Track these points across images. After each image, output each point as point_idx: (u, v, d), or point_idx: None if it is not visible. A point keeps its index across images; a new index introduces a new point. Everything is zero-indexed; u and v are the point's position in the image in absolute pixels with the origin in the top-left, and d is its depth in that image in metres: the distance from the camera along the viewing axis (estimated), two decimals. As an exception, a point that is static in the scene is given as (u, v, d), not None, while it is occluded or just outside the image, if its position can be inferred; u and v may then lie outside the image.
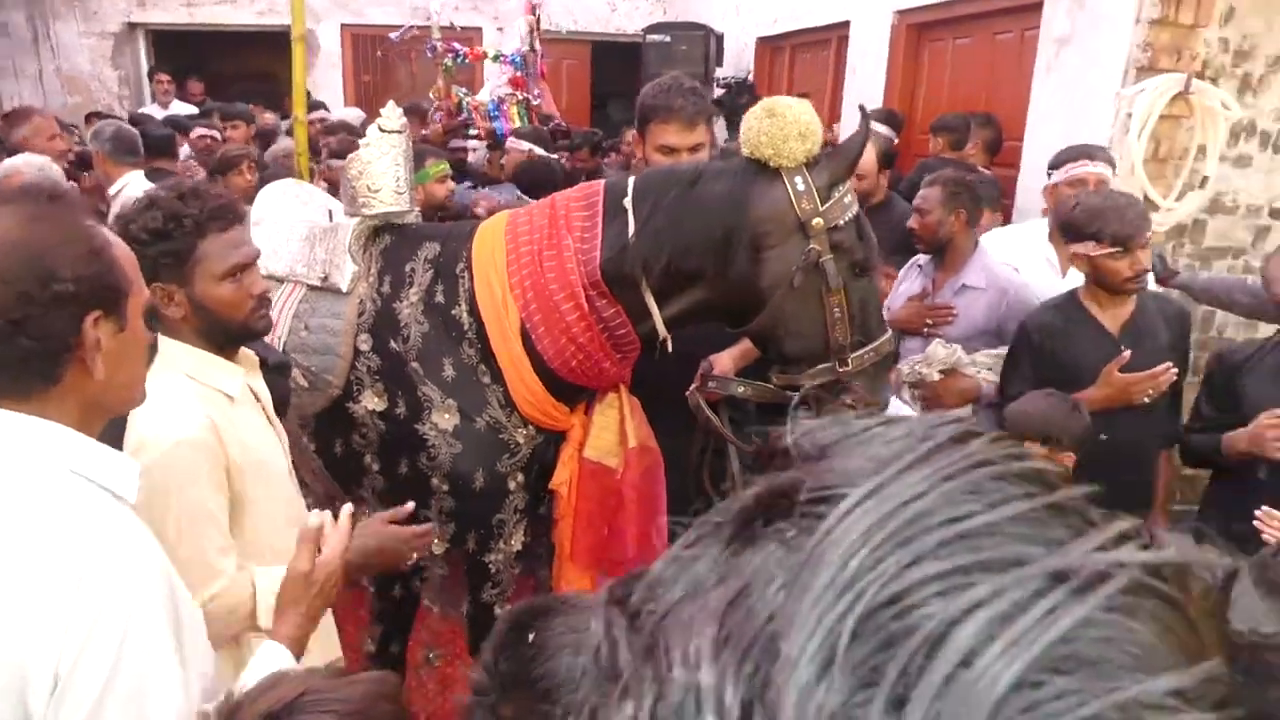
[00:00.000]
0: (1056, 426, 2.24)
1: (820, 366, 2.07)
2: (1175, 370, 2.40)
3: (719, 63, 7.42)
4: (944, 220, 2.88)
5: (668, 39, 7.21)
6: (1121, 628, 0.24)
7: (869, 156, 3.95)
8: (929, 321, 2.88)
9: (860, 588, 0.25)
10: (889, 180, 3.96)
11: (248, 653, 1.42)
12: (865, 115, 2.04)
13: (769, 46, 7.26)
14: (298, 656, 1.24)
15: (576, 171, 4.85)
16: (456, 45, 6.06)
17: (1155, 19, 3.57)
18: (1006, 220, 4.07)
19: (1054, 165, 3.20)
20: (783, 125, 1.91)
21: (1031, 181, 4.10)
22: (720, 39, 7.41)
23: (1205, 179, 3.70)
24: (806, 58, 6.82)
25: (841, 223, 1.97)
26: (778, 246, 1.97)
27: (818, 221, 1.94)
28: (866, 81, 5.59)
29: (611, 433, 2.20)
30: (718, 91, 6.22)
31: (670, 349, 2.12)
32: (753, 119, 1.96)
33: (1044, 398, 2.37)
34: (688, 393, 2.31)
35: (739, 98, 6.23)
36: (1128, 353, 2.41)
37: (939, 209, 2.89)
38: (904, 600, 0.24)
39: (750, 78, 6.59)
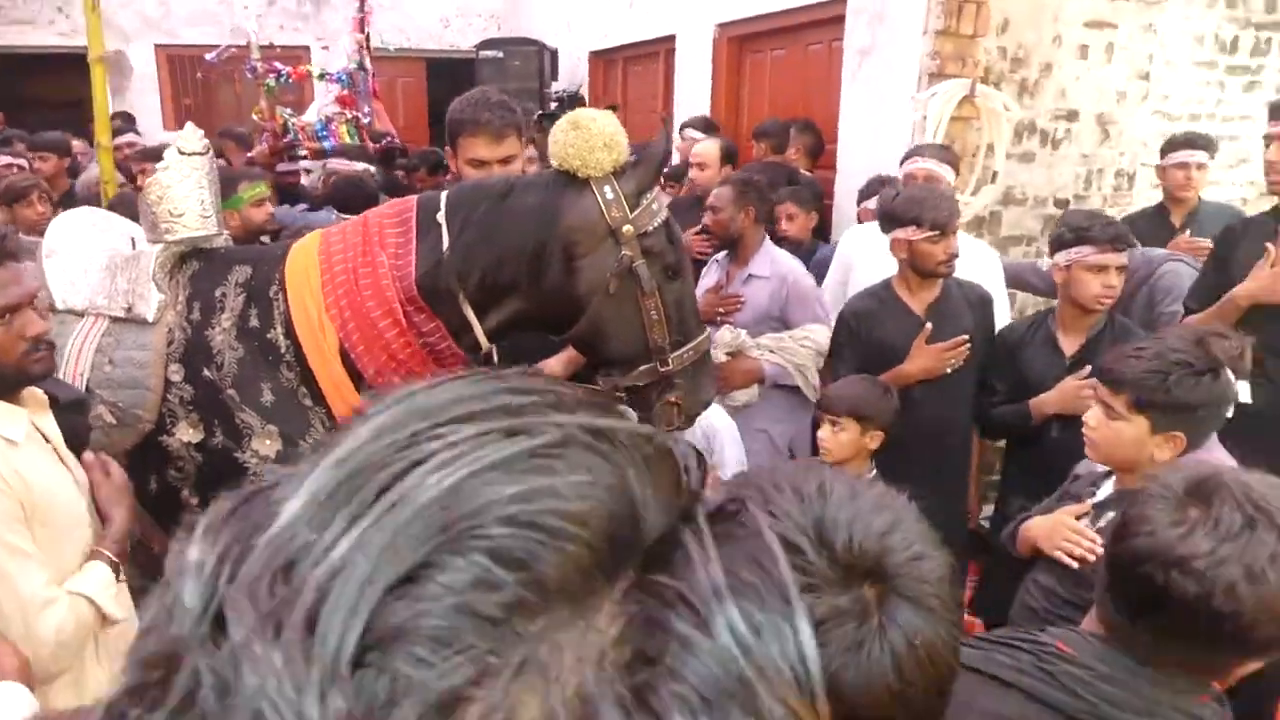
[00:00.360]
0: (869, 407, 2.42)
1: (642, 368, 2.15)
2: (968, 343, 2.65)
3: (554, 77, 7.51)
4: (734, 217, 3.11)
5: (501, 55, 7.24)
6: (544, 462, 0.30)
7: (712, 152, 4.13)
8: (720, 310, 3.08)
9: (357, 452, 0.31)
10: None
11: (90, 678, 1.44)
12: (666, 124, 2.15)
13: (601, 60, 7.40)
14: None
15: (414, 190, 4.81)
16: (279, 65, 5.88)
17: (940, 30, 3.89)
18: (824, 219, 4.32)
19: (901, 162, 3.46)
20: (587, 137, 1.98)
21: (847, 183, 4.37)
22: (554, 54, 7.50)
23: (995, 174, 4.05)
24: (638, 70, 6.99)
25: (651, 228, 2.06)
26: (591, 254, 2.03)
27: (628, 228, 2.02)
28: (693, 92, 5.79)
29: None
30: (551, 105, 6.29)
31: (497, 360, 2.15)
32: (559, 132, 2.02)
33: (858, 381, 2.55)
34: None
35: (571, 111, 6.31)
36: (929, 326, 2.64)
37: (730, 207, 3.11)
38: (392, 456, 0.30)
39: (582, 91, 6.70)
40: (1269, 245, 2.64)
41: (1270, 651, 0.89)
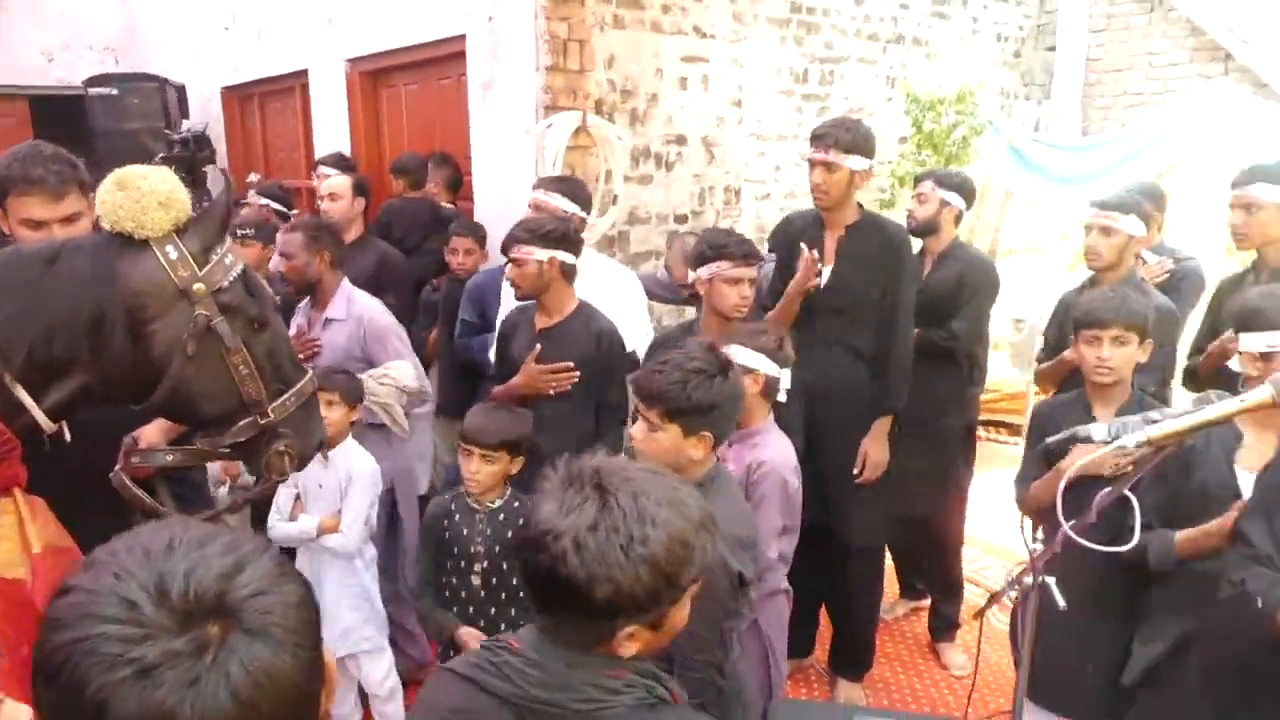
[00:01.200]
0: (508, 431, 2.53)
1: (241, 423, 2.09)
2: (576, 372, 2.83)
3: (184, 114, 6.98)
4: (309, 263, 3.12)
5: (115, 91, 6.60)
6: None
7: (343, 185, 4.02)
8: (300, 356, 3.08)
9: None
10: (365, 212, 4.08)
11: None
12: (226, 178, 2.11)
13: (235, 96, 7.00)
14: None
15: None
16: None
17: (550, 65, 4.15)
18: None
19: None
20: (138, 197, 1.89)
21: (486, 213, 4.51)
22: (181, 90, 6.96)
23: (616, 197, 4.39)
24: (275, 106, 6.70)
25: (226, 284, 2.00)
26: (161, 318, 1.93)
27: (199, 287, 1.95)
28: (331, 128, 5.67)
29: (12, 541, 1.99)
30: (175, 148, 5.85)
31: (70, 438, 1.99)
32: (105, 193, 1.90)
33: (492, 410, 2.67)
34: (111, 474, 2.18)
35: (199, 151, 5.93)
36: (538, 347, 2.81)
37: (302, 253, 3.11)
38: None
39: (208, 130, 6.31)
40: (803, 245, 3.10)
41: (627, 612, 1.05)
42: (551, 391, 2.80)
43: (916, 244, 3.54)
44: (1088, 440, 1.63)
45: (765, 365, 2.40)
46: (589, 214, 3.35)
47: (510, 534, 2.46)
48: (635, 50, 4.58)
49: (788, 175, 5.39)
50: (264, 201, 4.44)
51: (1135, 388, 2.46)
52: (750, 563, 1.92)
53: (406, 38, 4.96)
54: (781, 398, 2.51)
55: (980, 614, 2.22)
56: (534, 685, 1.08)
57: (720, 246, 2.81)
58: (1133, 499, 1.72)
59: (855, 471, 3.08)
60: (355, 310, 3.15)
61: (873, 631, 3.40)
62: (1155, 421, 1.56)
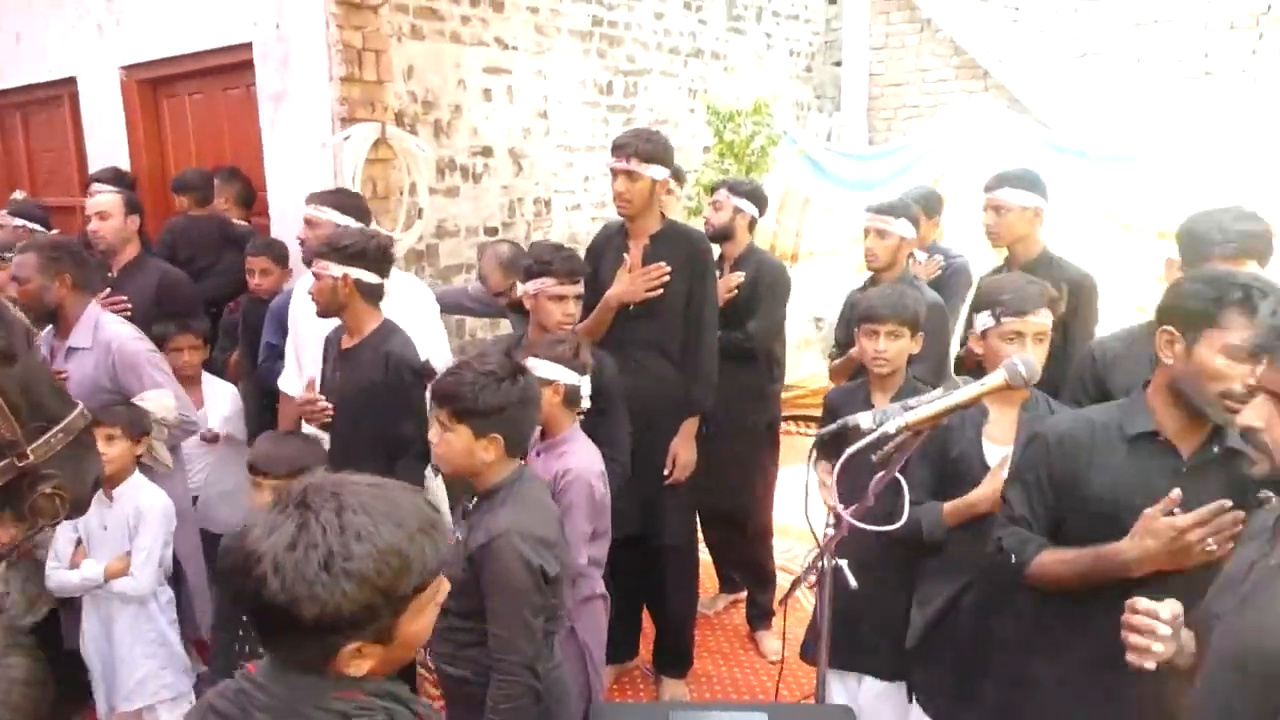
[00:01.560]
0: (299, 459, 2.43)
1: (-2, 465, 1.91)
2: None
3: (-70, 125, 6.25)
4: (47, 286, 2.89)
5: None
6: None
7: (113, 202, 3.69)
8: None
9: None
10: (140, 230, 3.78)
11: None
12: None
13: (-7, 105, 6.35)
14: None
15: None
16: None
17: (345, 76, 4.03)
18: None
19: None
20: None
21: (282, 229, 4.31)
22: (-76, 98, 6.23)
23: (421, 210, 4.31)
24: (42, 117, 6.11)
25: (-36, 316, 1.83)
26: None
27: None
28: (107, 140, 5.25)
29: None
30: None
31: None
32: None
33: (281, 437, 2.57)
34: None
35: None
36: (339, 373, 2.73)
37: (39, 276, 2.88)
38: None
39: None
40: (625, 255, 3.19)
41: (343, 630, 1.02)
42: (328, 420, 2.72)
43: (715, 250, 3.70)
44: (856, 429, 1.77)
45: (564, 375, 2.44)
46: (367, 226, 3.24)
47: None
48: (436, 61, 4.52)
49: (597, 185, 5.48)
50: (19, 222, 4.04)
51: (911, 376, 2.68)
52: (553, 561, 1.95)
53: (187, 44, 4.67)
54: (585, 404, 2.56)
55: (784, 600, 2.36)
56: (261, 710, 1.06)
57: (545, 263, 2.82)
58: (902, 480, 1.87)
59: (665, 472, 3.17)
60: (103, 337, 2.89)
61: (692, 628, 3.50)
62: (912, 408, 1.71)
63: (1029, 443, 1.96)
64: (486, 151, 4.85)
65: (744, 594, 3.95)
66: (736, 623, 3.95)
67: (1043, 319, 2.22)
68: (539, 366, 2.40)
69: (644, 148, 3.09)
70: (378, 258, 2.71)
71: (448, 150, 4.63)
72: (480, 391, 1.93)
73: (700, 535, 3.71)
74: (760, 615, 3.79)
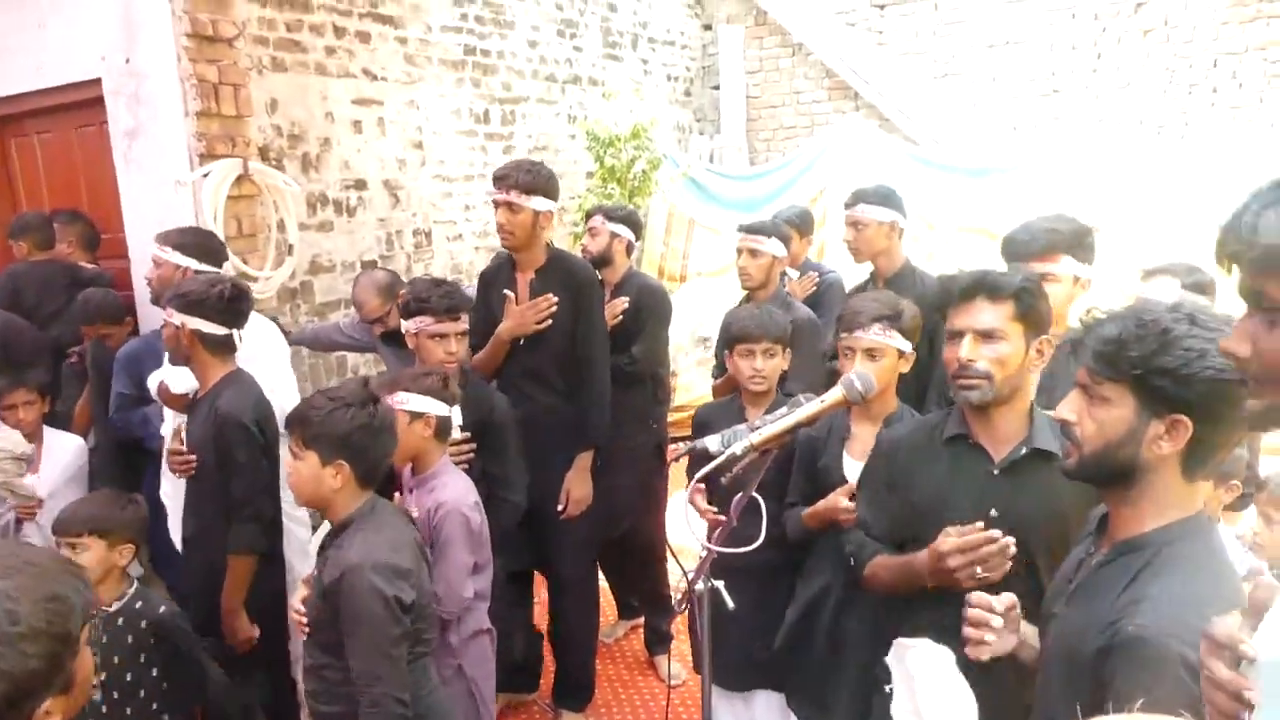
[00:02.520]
0: (96, 518, 2.31)
1: None
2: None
3: None
4: None
5: None
6: None
7: None
8: None
9: None
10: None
11: None
12: None
13: None
14: None
15: None
16: None
17: (200, 111, 3.88)
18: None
19: None
20: None
21: (142, 271, 4.10)
22: None
23: (291, 246, 4.18)
24: None
25: None
26: None
27: None
28: (-53, 185, 4.91)
29: None
30: None
31: None
32: None
33: (96, 494, 2.46)
34: None
35: None
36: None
37: None
38: None
39: None
40: (507, 291, 3.15)
41: (36, 693, 1.00)
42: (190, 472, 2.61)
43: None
44: (705, 451, 1.78)
45: (434, 407, 2.38)
46: (219, 267, 3.10)
47: (131, 639, 2.24)
48: (300, 94, 4.41)
49: (479, 214, 5.43)
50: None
51: (781, 393, 2.72)
52: (409, 589, 1.93)
53: (33, 81, 4.42)
54: (456, 434, 2.51)
55: (671, 620, 2.36)
56: None
57: (423, 301, 2.74)
58: (759, 499, 1.89)
59: (560, 507, 3.14)
60: None
61: (592, 659, 3.46)
62: (758, 429, 1.73)
63: (873, 452, 2.03)
64: (360, 184, 4.74)
65: (642, 619, 3.93)
66: (636, 648, 3.92)
67: (874, 336, 2.26)
68: (408, 400, 2.35)
69: (524, 179, 3.06)
70: (220, 307, 2.56)
71: (318, 184, 4.51)
72: (327, 417, 1.92)
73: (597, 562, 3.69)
74: (658, 640, 3.78)
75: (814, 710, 2.38)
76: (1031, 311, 1.77)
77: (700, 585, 2.09)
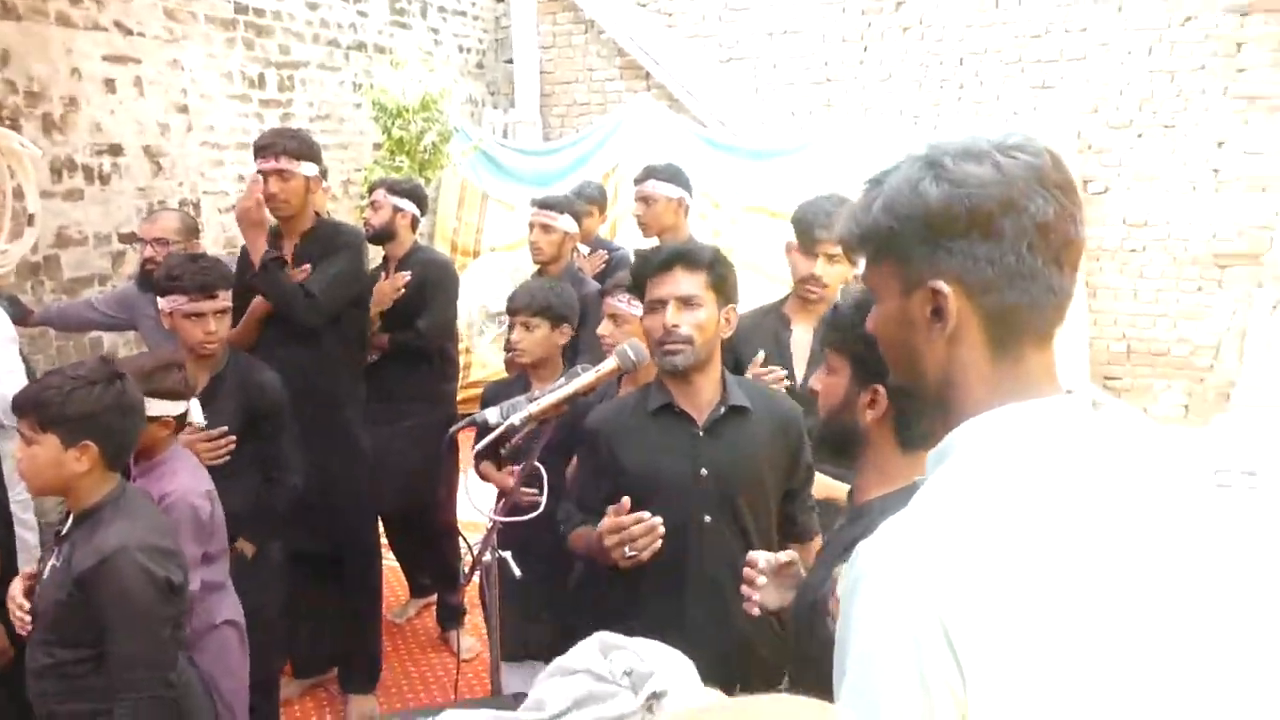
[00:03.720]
0: None
1: None
2: None
3: None
4: None
5: None
6: None
7: None
8: None
9: None
10: None
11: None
12: None
13: None
14: None
15: None
16: None
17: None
18: None
19: None
20: None
21: None
22: None
23: (32, 216, 3.77)
24: None
25: None
26: None
27: None
28: None
29: None
30: None
31: None
32: None
33: None
34: None
35: None
36: None
37: None
38: None
39: None
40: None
41: None
42: None
43: (378, 252, 3.62)
44: (485, 423, 1.82)
45: (170, 409, 2.22)
46: None
47: None
48: (40, 47, 3.97)
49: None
50: None
51: (567, 365, 2.78)
52: (177, 569, 1.89)
53: None
54: (200, 421, 2.39)
55: (461, 594, 2.35)
56: None
57: (175, 279, 2.55)
58: (540, 468, 1.94)
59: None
60: None
61: (378, 639, 3.41)
62: (536, 399, 1.79)
63: (586, 432, 2.08)
64: (115, 149, 4.34)
65: (434, 597, 3.91)
66: (430, 625, 3.90)
67: (635, 308, 2.33)
68: (151, 406, 2.20)
69: (291, 145, 2.98)
70: None
71: (64, 148, 4.08)
72: (68, 396, 1.80)
73: (385, 541, 3.62)
74: (450, 615, 3.77)
75: None
76: (723, 281, 1.94)
77: (488, 556, 2.13)
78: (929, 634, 0.77)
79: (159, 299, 2.62)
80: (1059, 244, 0.86)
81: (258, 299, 3.00)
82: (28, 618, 1.89)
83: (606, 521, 1.75)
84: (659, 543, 1.73)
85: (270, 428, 2.68)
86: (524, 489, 2.05)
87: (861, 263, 0.98)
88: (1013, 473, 0.84)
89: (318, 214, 3.17)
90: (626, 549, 1.72)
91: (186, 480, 2.20)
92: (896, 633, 0.79)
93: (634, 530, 1.72)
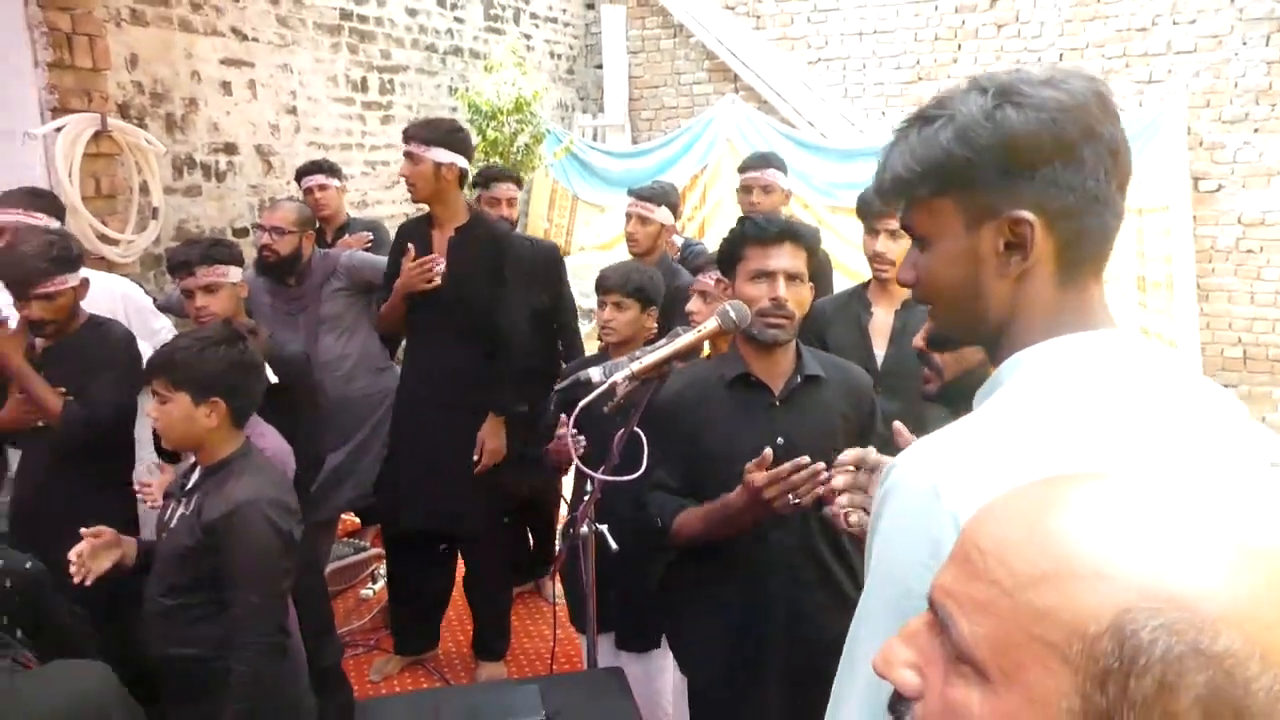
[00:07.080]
0: None
1: None
2: None
3: None
4: None
5: None
6: None
7: None
8: None
9: None
10: None
11: None
12: None
13: None
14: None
15: None
16: None
17: (52, 62, 3.64)
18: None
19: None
20: None
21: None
22: None
23: (156, 209, 3.98)
24: None
25: None
26: None
27: None
28: None
29: None
30: None
31: None
32: None
33: None
34: None
35: None
36: None
37: None
38: None
39: None
40: (410, 245, 3.14)
41: None
42: None
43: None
44: (588, 382, 1.84)
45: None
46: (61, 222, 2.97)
47: None
48: (164, 50, 4.19)
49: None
50: None
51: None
52: (297, 527, 1.98)
53: None
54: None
55: (556, 567, 2.38)
56: None
57: (182, 260, 2.67)
58: (641, 434, 1.95)
59: (475, 458, 3.14)
60: None
61: (508, 611, 3.52)
62: (638, 359, 1.80)
63: (653, 413, 1.98)
64: (230, 148, 4.55)
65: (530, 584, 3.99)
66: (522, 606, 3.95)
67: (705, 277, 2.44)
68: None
69: (421, 131, 3.13)
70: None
71: (184, 146, 4.30)
72: (196, 356, 1.91)
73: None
74: (545, 563, 3.88)
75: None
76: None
77: (585, 529, 2.14)
78: (946, 534, 0.75)
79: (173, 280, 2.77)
80: (1125, 169, 0.86)
81: (397, 283, 3.13)
82: (86, 570, 1.92)
83: (759, 476, 1.71)
84: (821, 488, 1.67)
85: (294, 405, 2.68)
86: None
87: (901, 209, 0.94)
88: (1064, 399, 0.80)
89: (471, 208, 3.27)
90: (790, 497, 1.70)
91: (274, 440, 2.30)
92: (915, 533, 0.77)
93: (795, 479, 1.70)
